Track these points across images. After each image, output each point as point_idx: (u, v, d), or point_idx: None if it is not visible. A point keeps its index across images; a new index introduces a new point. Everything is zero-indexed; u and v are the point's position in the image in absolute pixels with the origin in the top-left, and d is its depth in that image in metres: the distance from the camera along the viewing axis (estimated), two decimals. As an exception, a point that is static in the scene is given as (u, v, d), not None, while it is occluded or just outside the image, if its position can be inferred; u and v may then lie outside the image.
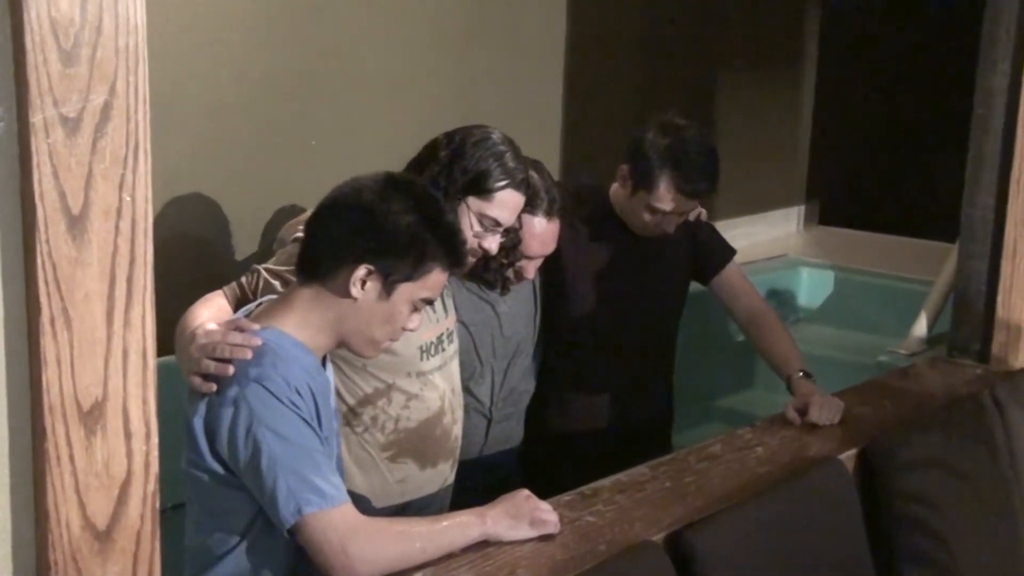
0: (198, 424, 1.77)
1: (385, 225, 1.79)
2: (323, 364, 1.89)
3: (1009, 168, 2.94)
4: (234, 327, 1.81)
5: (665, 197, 2.54)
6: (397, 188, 1.83)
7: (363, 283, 1.79)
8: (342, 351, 1.94)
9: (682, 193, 2.54)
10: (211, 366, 1.76)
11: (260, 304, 1.93)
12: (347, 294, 1.79)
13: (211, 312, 1.96)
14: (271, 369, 1.74)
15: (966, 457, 2.54)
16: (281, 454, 1.70)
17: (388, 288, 1.80)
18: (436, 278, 1.84)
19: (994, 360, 3.03)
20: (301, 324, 1.82)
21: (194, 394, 1.78)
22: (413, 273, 1.80)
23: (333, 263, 1.80)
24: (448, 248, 1.83)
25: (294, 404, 1.73)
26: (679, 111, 2.66)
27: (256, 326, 1.81)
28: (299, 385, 1.75)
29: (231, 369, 1.74)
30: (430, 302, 1.89)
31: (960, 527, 2.42)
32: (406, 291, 1.81)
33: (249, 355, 1.75)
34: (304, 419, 1.74)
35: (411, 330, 1.88)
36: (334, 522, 1.71)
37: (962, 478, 2.49)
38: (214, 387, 1.75)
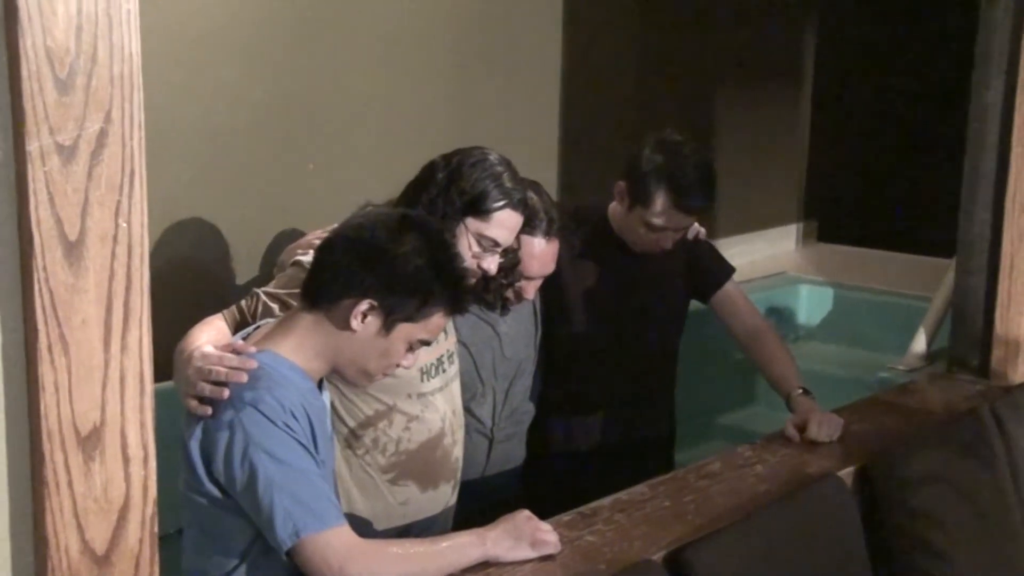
0: (194, 448, 1.77)
1: (394, 264, 1.80)
2: (319, 388, 1.89)
3: (1005, 184, 2.95)
4: (230, 350, 1.82)
5: (661, 213, 2.55)
6: (412, 228, 1.85)
7: (364, 317, 1.80)
8: (342, 375, 1.95)
9: (678, 209, 2.55)
10: (207, 389, 1.77)
11: (258, 327, 1.94)
12: (347, 326, 1.80)
13: (210, 335, 1.97)
14: (266, 392, 1.74)
15: (966, 473, 2.53)
16: (277, 476, 1.71)
17: (388, 325, 1.81)
18: (436, 321, 1.86)
19: (993, 375, 3.04)
20: (298, 348, 1.83)
21: (191, 417, 1.79)
22: (415, 314, 1.82)
23: (337, 293, 1.81)
24: (453, 295, 1.85)
25: (289, 427, 1.74)
26: (676, 129, 2.68)
27: (252, 348, 1.82)
28: (294, 408, 1.76)
29: (226, 392, 1.75)
30: (427, 343, 1.90)
31: (961, 543, 2.41)
32: (405, 330, 1.83)
33: (244, 378, 1.76)
34: (299, 442, 1.75)
35: (406, 367, 1.90)
36: (332, 544, 1.71)
37: (962, 494, 2.49)
38: (209, 410, 1.76)
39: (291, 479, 1.71)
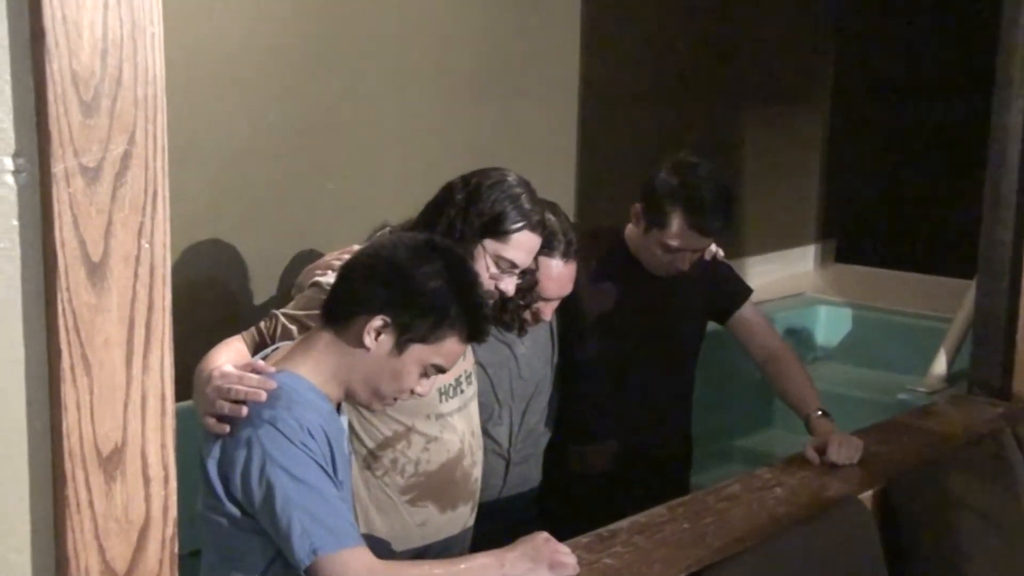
0: (212, 467, 1.78)
1: (411, 283, 1.80)
2: (338, 410, 1.90)
3: (1026, 204, 2.95)
4: (250, 369, 1.82)
5: (678, 234, 2.55)
6: (434, 251, 1.85)
7: (377, 334, 1.80)
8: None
9: (694, 230, 2.55)
10: (226, 407, 1.77)
11: (276, 348, 1.95)
12: (360, 343, 1.80)
13: (229, 356, 1.97)
14: (284, 411, 1.75)
15: (987, 496, 2.52)
16: (295, 494, 1.71)
17: (401, 345, 1.81)
18: (451, 347, 1.84)
19: (1015, 397, 3.02)
20: (315, 369, 1.83)
21: (209, 437, 1.80)
22: (429, 336, 1.81)
23: (353, 310, 1.81)
24: (469, 320, 1.83)
25: (306, 446, 1.74)
26: (693, 151, 2.68)
27: (272, 369, 1.82)
28: (312, 428, 1.76)
29: (245, 411, 1.76)
30: (443, 370, 1.88)
31: (982, 566, 2.39)
32: (418, 352, 1.82)
33: (263, 397, 1.76)
34: (317, 461, 1.75)
35: (420, 395, 1.89)
36: (350, 564, 1.71)
37: (984, 517, 2.47)
38: (227, 428, 1.77)
39: (309, 497, 1.71)
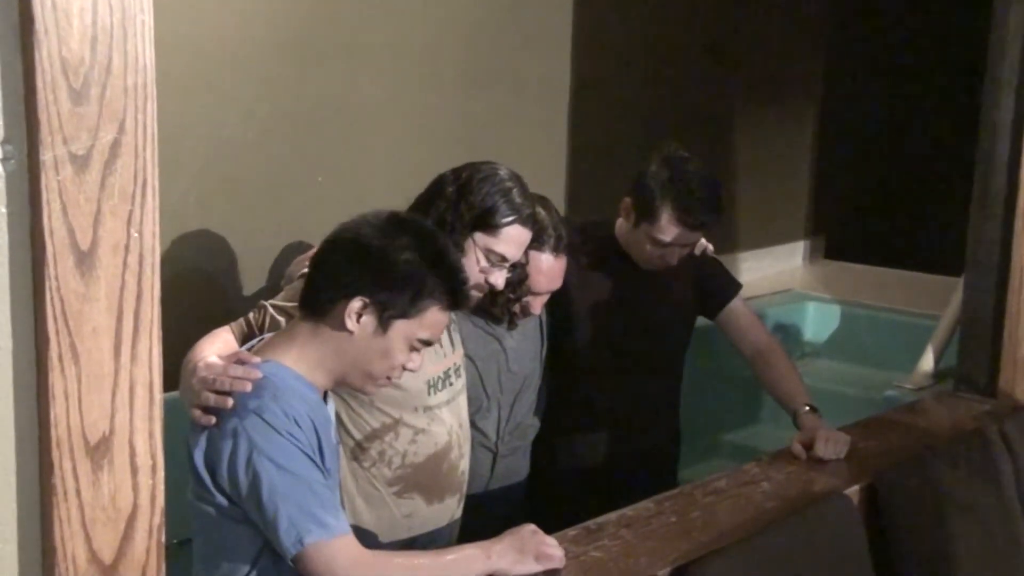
0: (199, 458, 1.78)
1: (382, 260, 1.80)
2: (324, 399, 1.89)
3: (1015, 202, 2.96)
4: (235, 360, 1.82)
5: (667, 229, 2.56)
6: (399, 226, 1.84)
7: (358, 316, 1.79)
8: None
9: (683, 225, 2.55)
10: (211, 398, 1.77)
11: (263, 339, 1.95)
12: (343, 328, 1.80)
13: (216, 347, 1.97)
14: (270, 401, 1.74)
15: (973, 492, 2.53)
16: (281, 484, 1.71)
17: (384, 324, 1.80)
18: (434, 317, 1.83)
19: (1001, 395, 3.03)
20: (300, 358, 1.83)
21: (195, 428, 1.79)
22: (409, 310, 1.80)
23: (331, 296, 1.81)
24: (447, 287, 1.82)
25: (293, 436, 1.74)
26: (684, 146, 2.68)
27: (257, 359, 1.82)
28: (298, 417, 1.76)
29: (230, 401, 1.75)
30: (429, 343, 1.88)
31: (967, 562, 2.40)
32: (402, 328, 1.81)
33: (248, 387, 1.76)
34: (303, 451, 1.75)
35: (411, 370, 1.88)
36: (337, 554, 1.71)
37: (969, 513, 2.48)
38: (213, 420, 1.76)
39: (295, 487, 1.71)
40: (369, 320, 1.80)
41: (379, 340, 1.81)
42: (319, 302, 1.83)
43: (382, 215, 1.87)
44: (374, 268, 1.80)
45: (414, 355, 1.86)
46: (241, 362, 1.81)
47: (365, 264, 1.80)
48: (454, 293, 1.84)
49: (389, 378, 1.88)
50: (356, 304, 1.79)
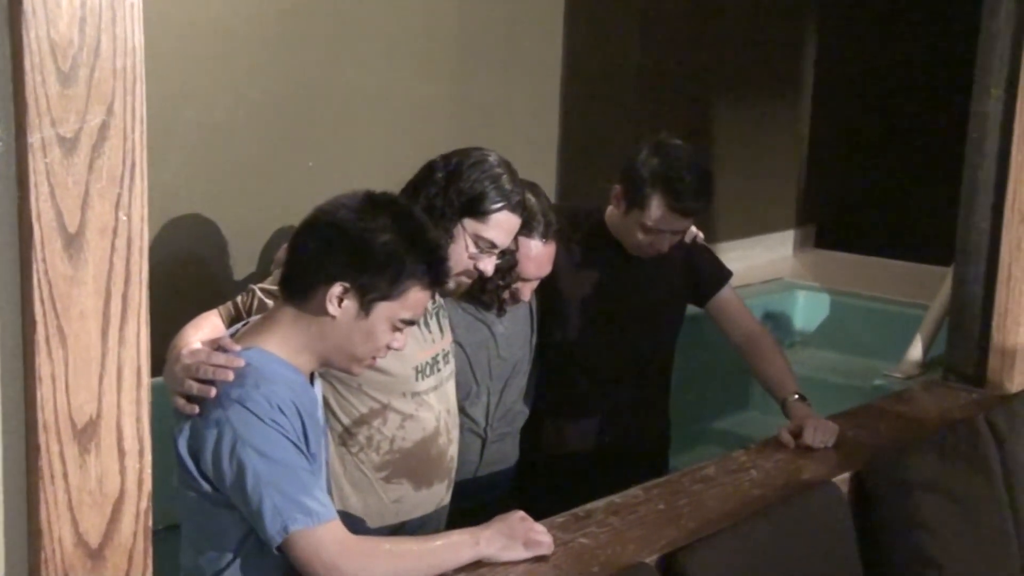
0: (182, 445, 1.77)
1: (360, 242, 1.78)
2: (311, 381, 1.89)
3: (1004, 192, 2.96)
4: (217, 347, 1.80)
5: (657, 216, 2.56)
6: (376, 206, 1.82)
7: (340, 301, 1.78)
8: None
9: (674, 211, 2.55)
10: (194, 387, 1.76)
11: (247, 323, 1.94)
12: (324, 312, 1.78)
13: (203, 333, 1.96)
14: (253, 389, 1.74)
15: (961, 481, 2.54)
16: (265, 473, 1.70)
17: (366, 307, 1.79)
18: (416, 297, 1.82)
19: (989, 384, 3.04)
20: (283, 343, 1.82)
21: (179, 416, 1.78)
22: (390, 291, 1.79)
23: (311, 281, 1.79)
24: (427, 267, 1.81)
25: (276, 423, 1.73)
26: (675, 133, 2.68)
27: (238, 347, 1.80)
28: (282, 403, 1.75)
29: (213, 391, 1.74)
30: (412, 322, 1.87)
31: (955, 551, 2.41)
32: (384, 310, 1.80)
33: (231, 376, 1.74)
34: (288, 438, 1.74)
35: (397, 348, 1.87)
36: (323, 540, 1.71)
37: (957, 502, 2.49)
38: (196, 409, 1.75)
39: (280, 475, 1.71)
40: (351, 304, 1.79)
41: (362, 323, 1.80)
42: (300, 287, 1.81)
43: (358, 196, 1.84)
44: (353, 252, 1.78)
45: (398, 335, 1.84)
46: (223, 350, 1.80)
47: (344, 249, 1.78)
48: (434, 272, 1.83)
49: (374, 359, 1.87)
50: (337, 289, 1.77)
